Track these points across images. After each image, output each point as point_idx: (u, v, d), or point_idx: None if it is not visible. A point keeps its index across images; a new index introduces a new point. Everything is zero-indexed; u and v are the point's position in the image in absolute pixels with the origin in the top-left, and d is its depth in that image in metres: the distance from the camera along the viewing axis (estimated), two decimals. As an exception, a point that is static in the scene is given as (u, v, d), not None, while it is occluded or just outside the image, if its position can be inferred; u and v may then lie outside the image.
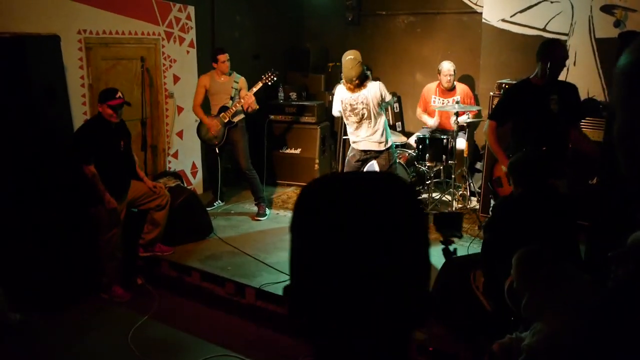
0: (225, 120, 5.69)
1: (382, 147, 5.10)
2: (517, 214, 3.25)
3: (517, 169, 3.34)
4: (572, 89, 4.15)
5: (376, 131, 5.06)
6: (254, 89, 5.69)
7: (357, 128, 5.10)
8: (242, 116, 5.80)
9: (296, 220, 0.87)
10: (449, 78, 6.16)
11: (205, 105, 5.80)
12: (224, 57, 5.64)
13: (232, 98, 5.72)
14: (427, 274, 0.90)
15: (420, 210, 0.91)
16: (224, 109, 5.69)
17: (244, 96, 5.64)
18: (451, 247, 3.12)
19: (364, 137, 5.10)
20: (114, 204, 4.30)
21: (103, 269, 4.43)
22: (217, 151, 5.85)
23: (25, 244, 4.06)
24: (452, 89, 6.27)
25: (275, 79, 5.86)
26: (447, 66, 6.18)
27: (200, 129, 5.84)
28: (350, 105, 5.03)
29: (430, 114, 6.41)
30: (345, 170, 5.45)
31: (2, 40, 4.12)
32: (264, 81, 5.78)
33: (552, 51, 4.04)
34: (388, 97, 5.11)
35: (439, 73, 6.24)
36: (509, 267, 2.59)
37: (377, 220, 0.82)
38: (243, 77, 5.82)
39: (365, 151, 5.15)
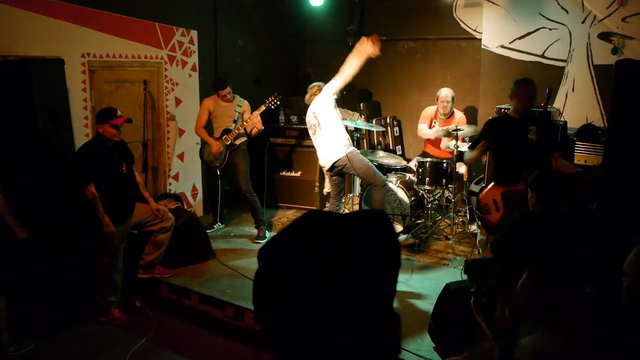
0: (228, 143, 5.73)
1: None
2: (536, 231, 3.18)
3: (545, 185, 3.27)
4: (548, 121, 4.64)
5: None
6: (257, 112, 5.72)
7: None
8: (244, 139, 5.85)
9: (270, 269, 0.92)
10: (445, 104, 6.20)
11: (207, 128, 5.84)
12: (224, 92, 5.71)
13: (234, 121, 5.78)
14: (391, 300, 0.91)
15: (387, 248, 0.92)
16: (226, 131, 5.74)
17: (249, 118, 5.68)
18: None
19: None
20: (111, 228, 4.22)
21: (101, 292, 4.40)
22: (218, 173, 5.87)
23: (25, 266, 4.04)
24: (449, 115, 6.31)
25: (278, 102, 5.91)
26: (444, 92, 6.23)
27: (203, 150, 5.88)
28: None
29: (431, 140, 6.44)
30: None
31: (6, 63, 4.16)
32: (267, 104, 5.82)
33: (518, 91, 4.37)
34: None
35: (437, 99, 6.29)
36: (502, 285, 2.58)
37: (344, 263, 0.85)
38: (246, 101, 5.89)
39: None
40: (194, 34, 6.30)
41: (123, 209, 4.43)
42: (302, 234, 0.91)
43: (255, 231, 5.95)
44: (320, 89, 5.33)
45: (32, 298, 4.07)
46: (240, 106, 5.85)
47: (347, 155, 5.02)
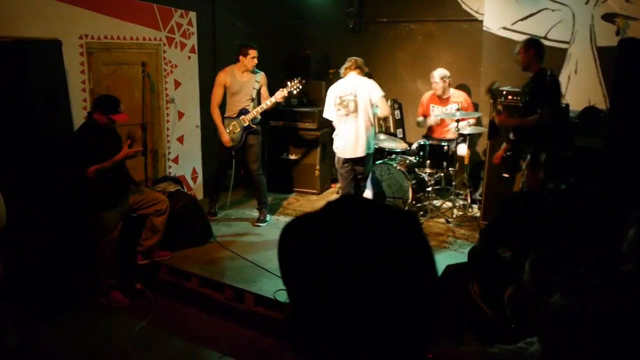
0: (245, 124, 5.55)
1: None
2: (539, 210, 3.14)
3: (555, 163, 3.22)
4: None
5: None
6: (280, 98, 5.50)
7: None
8: (259, 118, 5.70)
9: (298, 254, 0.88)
10: (437, 86, 6.18)
11: (221, 107, 5.68)
12: (254, 53, 5.45)
13: (252, 99, 5.58)
14: (435, 296, 0.90)
15: (421, 240, 0.90)
16: (244, 111, 5.56)
17: (270, 101, 5.47)
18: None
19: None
20: (126, 152, 4.30)
21: (100, 275, 4.41)
22: (234, 154, 5.65)
23: (24, 250, 4.04)
24: (446, 96, 6.28)
25: (300, 87, 5.64)
26: (435, 74, 6.19)
27: (225, 127, 5.61)
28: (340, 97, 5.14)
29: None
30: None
31: (3, 44, 4.12)
32: (289, 89, 5.57)
33: None
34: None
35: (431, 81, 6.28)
36: (505, 273, 2.57)
37: (382, 253, 0.82)
38: (263, 73, 5.67)
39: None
40: (192, 15, 6.24)
41: (117, 192, 4.43)
42: (339, 214, 0.88)
43: (255, 214, 5.93)
44: (357, 65, 5.17)
45: (33, 282, 4.07)
46: (258, 81, 5.61)
47: (370, 154, 5.22)
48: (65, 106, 4.55)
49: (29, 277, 4.04)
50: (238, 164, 5.85)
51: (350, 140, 5.14)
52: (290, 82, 5.59)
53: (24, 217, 4.02)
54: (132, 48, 5.58)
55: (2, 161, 4.01)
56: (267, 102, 5.52)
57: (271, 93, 5.61)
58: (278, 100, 5.53)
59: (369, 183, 5.79)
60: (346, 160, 5.25)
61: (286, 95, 5.56)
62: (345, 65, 5.24)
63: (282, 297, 4.07)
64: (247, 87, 5.58)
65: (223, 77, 5.59)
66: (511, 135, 4.76)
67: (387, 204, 1.06)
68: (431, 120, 6.27)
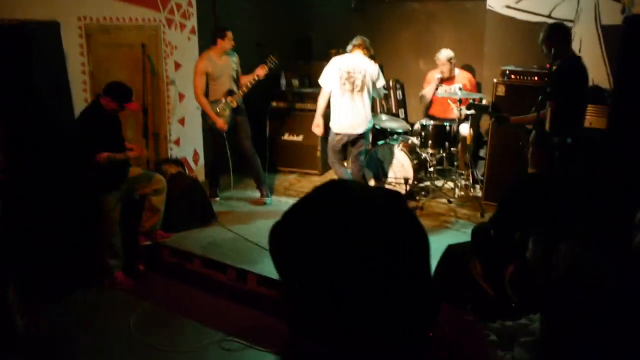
0: (234, 106, 5.61)
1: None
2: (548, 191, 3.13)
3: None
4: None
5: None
6: (263, 73, 5.63)
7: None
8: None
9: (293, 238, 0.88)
10: (443, 68, 6.16)
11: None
12: (230, 34, 5.55)
13: (234, 80, 5.67)
14: (429, 273, 0.90)
15: (411, 222, 0.90)
16: (230, 92, 5.60)
17: (255, 77, 5.61)
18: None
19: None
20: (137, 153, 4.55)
21: (103, 256, 4.44)
22: (225, 136, 5.66)
23: (28, 233, 4.06)
24: (452, 76, 6.24)
25: (276, 62, 5.72)
26: (441, 55, 6.16)
27: (213, 108, 5.61)
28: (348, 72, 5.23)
29: (434, 102, 6.39)
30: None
31: (3, 27, 4.08)
32: (268, 65, 5.66)
33: None
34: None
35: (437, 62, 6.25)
36: (508, 251, 2.55)
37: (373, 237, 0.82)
38: (235, 53, 5.76)
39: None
40: (192, -5, 6.18)
41: (119, 174, 4.47)
42: (325, 204, 0.88)
43: (257, 194, 5.95)
44: (365, 45, 5.30)
45: (37, 263, 4.09)
46: (235, 62, 5.72)
47: (368, 131, 5.33)
48: (65, 89, 4.54)
49: (32, 260, 4.06)
50: (231, 145, 5.87)
51: (353, 117, 5.25)
52: (268, 59, 5.68)
53: (28, 199, 4.04)
54: (132, 30, 5.53)
55: (7, 143, 4.01)
56: (252, 80, 5.63)
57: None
58: (260, 77, 5.65)
59: (370, 163, 5.79)
60: (343, 140, 5.36)
61: (267, 72, 5.65)
62: (353, 42, 5.34)
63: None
64: (227, 70, 5.62)
65: (203, 65, 5.54)
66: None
67: (371, 187, 1.08)
68: (428, 92, 6.26)
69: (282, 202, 5.93)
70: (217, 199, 5.92)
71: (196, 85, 5.57)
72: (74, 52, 4.92)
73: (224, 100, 5.58)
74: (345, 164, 5.71)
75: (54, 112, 4.34)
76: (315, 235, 0.84)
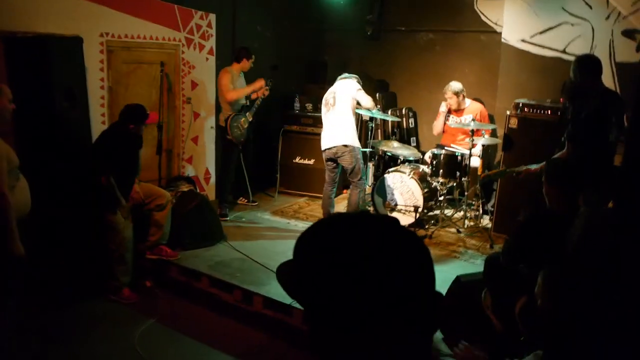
0: (250, 120, 6.03)
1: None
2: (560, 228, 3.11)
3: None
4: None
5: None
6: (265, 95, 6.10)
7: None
8: None
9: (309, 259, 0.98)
10: (451, 101, 6.21)
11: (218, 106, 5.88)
12: (251, 61, 6.01)
13: (246, 97, 6.06)
14: (432, 285, 0.97)
15: (416, 247, 0.97)
16: (247, 108, 6.02)
17: (265, 90, 6.05)
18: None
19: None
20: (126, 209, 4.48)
21: (113, 272, 4.44)
22: (241, 147, 6.06)
23: (39, 243, 4.07)
24: (461, 108, 6.29)
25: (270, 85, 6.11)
26: (448, 88, 6.22)
27: (232, 126, 5.91)
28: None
29: (445, 131, 6.42)
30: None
31: (25, 40, 4.18)
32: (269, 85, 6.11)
33: None
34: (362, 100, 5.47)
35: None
36: (519, 284, 2.55)
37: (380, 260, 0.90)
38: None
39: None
40: (212, 17, 6.28)
41: (129, 189, 4.56)
42: (333, 234, 0.97)
43: (267, 217, 6.00)
44: (347, 75, 5.62)
45: (45, 274, 4.10)
46: (243, 80, 6.11)
47: (349, 145, 5.33)
48: (83, 103, 4.61)
49: (40, 268, 4.07)
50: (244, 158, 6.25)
51: (327, 130, 5.50)
52: (269, 81, 6.11)
53: (40, 209, 4.06)
54: (152, 47, 5.63)
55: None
56: (259, 100, 6.07)
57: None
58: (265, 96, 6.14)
59: (378, 191, 5.79)
60: (328, 156, 5.53)
61: (267, 94, 6.10)
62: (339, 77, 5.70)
63: (293, 302, 4.08)
64: (243, 86, 6.04)
65: (228, 77, 5.90)
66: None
67: (366, 214, 1.19)
68: (436, 126, 6.30)
69: (291, 225, 5.94)
70: (227, 218, 5.95)
71: (225, 87, 5.86)
72: (94, 67, 5.01)
73: (245, 115, 5.98)
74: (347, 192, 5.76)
75: (70, 124, 4.41)
76: (322, 267, 0.93)
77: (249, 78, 6.13)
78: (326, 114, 5.54)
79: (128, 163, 4.51)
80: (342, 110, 5.39)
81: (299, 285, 1.00)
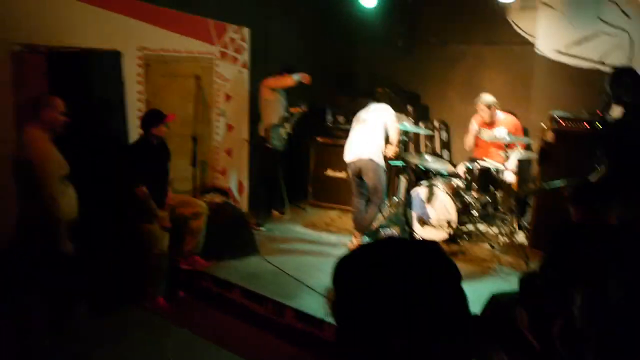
0: (289, 131, 6.15)
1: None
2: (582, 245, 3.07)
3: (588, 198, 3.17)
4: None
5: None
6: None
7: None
8: None
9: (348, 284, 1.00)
10: (483, 113, 6.09)
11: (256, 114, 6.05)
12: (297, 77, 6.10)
13: (285, 108, 6.16)
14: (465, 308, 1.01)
15: (448, 270, 1.03)
16: (286, 119, 6.12)
17: (303, 105, 6.27)
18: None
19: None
20: (166, 223, 4.55)
21: (151, 281, 4.51)
22: (279, 158, 6.15)
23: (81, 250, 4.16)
24: (493, 121, 6.18)
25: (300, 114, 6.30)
26: (480, 101, 6.10)
27: (273, 134, 6.03)
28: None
29: (478, 145, 6.33)
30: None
31: (67, 55, 4.31)
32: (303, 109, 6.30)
33: None
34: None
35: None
36: (557, 303, 2.49)
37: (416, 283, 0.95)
38: None
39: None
40: (245, 31, 6.38)
41: (160, 202, 4.62)
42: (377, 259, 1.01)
43: (299, 229, 6.05)
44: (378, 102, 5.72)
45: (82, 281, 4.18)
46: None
47: (375, 161, 5.35)
48: (122, 115, 4.71)
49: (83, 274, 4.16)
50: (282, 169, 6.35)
51: (354, 142, 5.53)
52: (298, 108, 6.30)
53: (84, 217, 4.16)
54: (187, 61, 5.74)
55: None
56: (298, 113, 6.25)
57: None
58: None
59: (413, 204, 5.75)
60: (353, 172, 5.54)
61: (305, 109, 6.32)
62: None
63: (325, 316, 4.09)
64: (283, 98, 6.17)
65: (270, 79, 6.11)
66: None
67: (406, 240, 1.26)
68: (468, 142, 6.21)
69: (323, 238, 5.94)
70: (262, 228, 6.03)
71: (276, 84, 6.05)
72: (132, 80, 5.12)
73: (284, 125, 6.09)
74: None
75: (110, 137, 4.51)
76: (369, 285, 0.97)
77: (293, 92, 6.29)
78: (355, 128, 5.61)
79: (156, 170, 4.60)
80: (374, 128, 5.46)
81: (339, 307, 1.01)
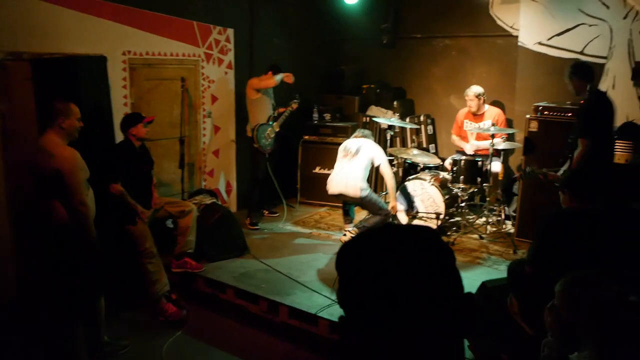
0: (277, 130, 6.11)
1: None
2: (569, 228, 3.15)
3: (577, 184, 3.27)
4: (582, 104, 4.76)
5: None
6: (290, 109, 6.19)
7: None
8: None
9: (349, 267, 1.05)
10: (471, 103, 6.20)
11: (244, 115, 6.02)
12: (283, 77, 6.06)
13: (273, 107, 6.15)
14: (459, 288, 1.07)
15: (444, 251, 1.07)
16: (275, 118, 6.10)
17: (294, 104, 6.21)
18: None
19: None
20: (146, 213, 4.56)
21: (150, 280, 4.48)
22: (267, 156, 6.10)
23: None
24: (480, 113, 6.28)
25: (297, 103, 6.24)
26: (469, 91, 6.21)
27: (259, 135, 5.98)
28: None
29: (464, 139, 6.41)
30: None
31: (52, 61, 4.30)
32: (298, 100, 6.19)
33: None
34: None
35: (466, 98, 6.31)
36: (547, 287, 2.53)
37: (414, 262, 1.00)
38: None
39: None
40: (230, 32, 6.39)
41: (146, 204, 4.64)
42: (380, 242, 1.06)
43: (290, 227, 6.06)
44: (364, 137, 5.60)
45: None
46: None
47: (367, 194, 5.28)
48: (108, 119, 4.71)
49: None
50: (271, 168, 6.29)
51: (340, 175, 5.35)
52: (297, 96, 6.30)
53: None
54: (172, 64, 5.74)
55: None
56: (287, 111, 6.17)
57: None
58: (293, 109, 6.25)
59: (402, 197, 5.80)
60: (340, 198, 5.53)
61: (295, 107, 6.23)
62: (354, 135, 5.72)
63: (319, 312, 4.12)
64: (270, 97, 6.16)
65: (256, 79, 6.07)
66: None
67: (407, 226, 1.30)
68: (470, 149, 6.25)
69: (313, 235, 5.97)
70: (257, 227, 6.10)
71: (259, 84, 5.98)
72: (118, 84, 5.12)
73: (271, 124, 6.05)
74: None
75: (97, 141, 4.49)
76: (373, 266, 1.01)
77: (279, 92, 6.33)
78: (342, 160, 5.47)
79: (139, 173, 4.59)
80: (362, 165, 5.33)
81: (344, 292, 1.05)
